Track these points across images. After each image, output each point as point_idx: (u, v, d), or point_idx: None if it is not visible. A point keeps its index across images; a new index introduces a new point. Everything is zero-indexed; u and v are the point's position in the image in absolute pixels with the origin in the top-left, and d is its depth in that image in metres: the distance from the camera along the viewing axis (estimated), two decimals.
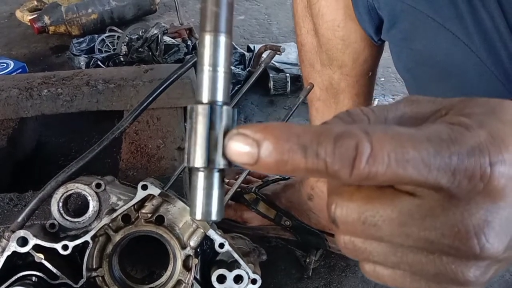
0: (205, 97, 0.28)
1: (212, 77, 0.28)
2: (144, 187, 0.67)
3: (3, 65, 1.50)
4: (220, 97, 0.28)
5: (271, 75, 1.46)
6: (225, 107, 0.28)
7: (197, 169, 0.28)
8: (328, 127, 0.25)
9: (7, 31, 1.90)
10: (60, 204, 0.69)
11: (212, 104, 0.28)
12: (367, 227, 0.26)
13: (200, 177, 0.28)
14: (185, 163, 0.29)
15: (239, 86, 1.40)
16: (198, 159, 0.28)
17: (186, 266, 0.70)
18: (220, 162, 0.28)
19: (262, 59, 1.44)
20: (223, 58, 0.28)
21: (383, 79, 1.57)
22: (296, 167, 0.25)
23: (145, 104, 0.72)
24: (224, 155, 0.28)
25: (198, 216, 0.28)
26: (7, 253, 0.64)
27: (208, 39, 0.28)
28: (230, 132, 0.26)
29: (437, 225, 0.25)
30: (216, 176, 0.28)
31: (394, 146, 0.24)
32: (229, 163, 0.28)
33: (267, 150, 0.24)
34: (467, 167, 0.24)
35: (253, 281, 0.68)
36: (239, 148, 0.25)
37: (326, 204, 0.28)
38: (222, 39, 0.28)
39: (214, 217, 0.28)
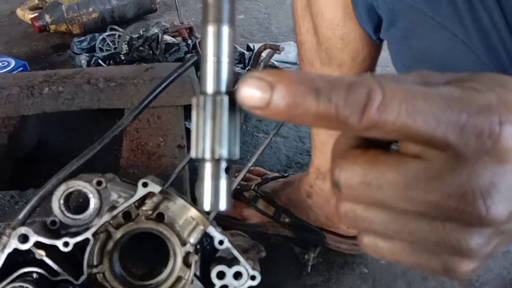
0: (210, 88, 0.28)
1: (217, 67, 0.28)
2: (145, 185, 0.67)
3: (4, 64, 1.51)
4: (223, 87, 0.28)
5: None
6: (229, 97, 0.28)
7: (205, 160, 0.28)
8: (343, 76, 0.25)
9: (8, 29, 1.91)
10: (61, 202, 0.69)
11: (217, 95, 0.28)
12: (371, 190, 0.26)
13: (208, 168, 0.28)
14: (192, 154, 0.28)
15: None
16: (206, 150, 0.28)
17: (186, 263, 0.70)
18: (228, 153, 0.28)
19: (262, 58, 1.45)
20: (226, 48, 0.28)
21: None
22: (307, 111, 0.24)
23: (145, 103, 0.72)
24: (235, 147, 0.28)
25: (207, 207, 0.28)
26: (8, 250, 0.65)
27: (211, 29, 0.28)
28: (243, 75, 0.26)
29: (443, 186, 0.25)
30: (223, 167, 0.28)
31: (405, 97, 0.24)
32: (236, 153, 0.28)
33: (280, 93, 0.24)
34: (476, 124, 0.24)
35: (252, 278, 0.69)
36: (251, 91, 0.24)
37: (330, 169, 0.28)
38: (225, 29, 0.28)
39: (222, 207, 0.28)
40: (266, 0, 2.12)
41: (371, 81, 0.24)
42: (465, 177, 0.25)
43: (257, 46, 1.54)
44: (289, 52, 1.53)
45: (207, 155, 0.28)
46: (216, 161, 0.28)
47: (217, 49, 0.28)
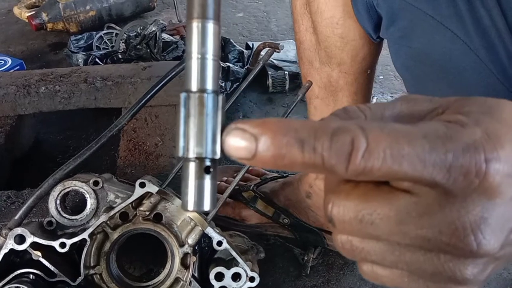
0: (194, 85, 0.28)
1: (201, 65, 0.28)
2: (142, 185, 0.67)
3: (1, 62, 1.50)
4: (209, 85, 0.28)
5: (269, 72, 1.46)
6: (214, 95, 0.28)
7: (188, 159, 0.28)
8: (326, 122, 0.25)
9: (5, 27, 1.89)
10: (58, 202, 0.68)
11: (201, 93, 0.28)
12: (364, 225, 0.26)
13: (192, 167, 0.28)
14: (176, 153, 0.28)
15: (237, 83, 1.40)
16: (190, 149, 0.27)
17: (184, 264, 0.70)
18: (211, 152, 0.27)
19: (261, 56, 1.44)
20: (211, 45, 0.28)
21: (381, 77, 1.57)
22: (293, 162, 0.25)
23: (143, 102, 0.71)
24: (214, 144, 0.27)
25: (190, 207, 0.28)
26: (4, 250, 0.64)
27: (195, 26, 0.28)
28: (228, 127, 0.26)
29: (434, 222, 0.25)
30: (207, 166, 0.28)
31: (389, 142, 0.24)
32: (221, 152, 0.27)
33: (265, 145, 0.25)
34: (462, 164, 0.24)
35: (251, 279, 0.68)
36: (237, 143, 0.25)
37: (323, 203, 0.28)
38: (210, 25, 0.28)
39: (206, 207, 0.28)
40: None
41: (353, 127, 0.25)
42: (455, 213, 0.25)
43: (256, 44, 1.54)
44: (288, 50, 1.52)
45: (191, 154, 0.27)
46: (200, 160, 0.28)
47: (201, 47, 0.28)
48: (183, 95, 0.28)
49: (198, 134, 0.27)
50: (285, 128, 0.25)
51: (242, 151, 0.25)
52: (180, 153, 0.28)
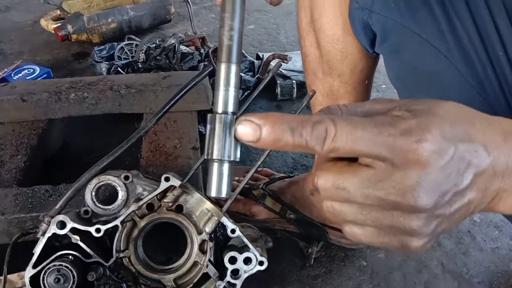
0: (219, 108, 0.40)
1: (225, 94, 0.40)
2: (167, 179, 0.76)
3: (30, 71, 1.60)
4: (230, 108, 0.40)
5: (278, 81, 1.52)
6: (233, 116, 0.39)
7: (213, 160, 0.39)
8: (309, 116, 0.35)
9: (31, 38, 2.00)
10: (93, 193, 0.78)
11: (224, 114, 0.39)
12: (340, 191, 0.36)
13: (215, 166, 0.40)
14: (205, 156, 0.40)
15: (248, 92, 1.47)
16: (214, 153, 0.39)
17: (202, 250, 0.77)
18: (230, 156, 0.39)
19: (271, 67, 1.53)
20: (233, 81, 0.40)
21: (384, 86, 1.65)
22: (287, 143, 0.35)
23: (167, 107, 0.81)
24: (233, 149, 0.39)
25: (213, 193, 0.40)
26: (48, 234, 0.73)
27: (223, 67, 0.40)
28: (239, 118, 0.36)
29: (385, 185, 0.35)
30: (226, 166, 0.40)
31: (350, 129, 0.34)
32: (237, 156, 0.39)
33: (266, 131, 0.35)
34: (400, 144, 0.34)
35: (261, 263, 0.76)
36: (246, 130, 0.35)
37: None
38: (233, 67, 0.40)
39: (224, 194, 0.40)
40: (274, 11, 2.18)
41: (328, 119, 0.35)
42: (398, 179, 0.35)
43: (266, 55, 1.60)
44: (296, 61, 1.57)
45: (214, 157, 0.39)
46: (220, 161, 0.39)
47: (226, 81, 0.40)
48: (211, 115, 0.40)
49: (219, 143, 0.39)
50: (281, 120, 0.35)
51: (250, 136, 0.35)
52: (207, 156, 0.40)
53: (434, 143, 0.34)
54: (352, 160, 0.37)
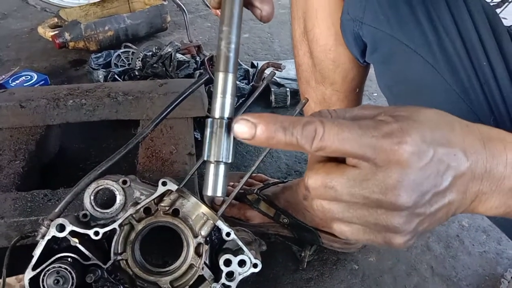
0: (217, 113, 0.43)
1: (222, 101, 0.43)
2: (164, 183, 0.77)
3: (28, 77, 1.62)
4: (226, 114, 0.43)
5: (272, 89, 1.54)
6: (229, 121, 0.42)
7: (210, 162, 0.42)
8: (300, 118, 0.38)
9: (29, 45, 2.01)
10: (92, 197, 0.79)
11: (220, 119, 0.42)
12: (328, 190, 0.39)
13: (211, 167, 0.43)
14: (202, 157, 0.43)
15: (243, 99, 1.49)
16: (210, 155, 0.42)
17: (198, 252, 0.79)
18: (225, 157, 0.42)
19: (265, 75, 1.56)
20: (230, 89, 0.43)
21: (375, 94, 1.68)
22: (279, 141, 0.37)
23: (164, 114, 0.83)
24: (229, 152, 0.42)
25: (209, 192, 0.43)
26: (47, 237, 0.75)
27: (220, 76, 0.43)
28: (236, 117, 0.39)
29: (369, 184, 0.38)
30: (221, 167, 0.43)
31: (337, 130, 0.37)
32: (232, 159, 0.42)
33: (261, 130, 0.37)
34: (382, 145, 0.37)
35: (255, 265, 0.77)
36: (242, 128, 0.38)
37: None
38: (230, 76, 0.43)
39: (219, 193, 0.43)
40: None
41: (317, 121, 0.37)
42: (381, 178, 0.37)
43: (260, 63, 1.63)
44: (290, 69, 1.60)
45: (211, 159, 0.42)
46: (217, 163, 0.42)
47: (223, 89, 0.43)
48: (209, 120, 0.43)
49: (217, 146, 0.42)
50: (275, 119, 0.37)
51: (246, 134, 0.38)
52: (205, 157, 0.43)
53: (413, 145, 0.37)
54: (340, 161, 0.40)
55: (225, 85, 0.43)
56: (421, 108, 0.40)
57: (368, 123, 0.38)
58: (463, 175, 0.40)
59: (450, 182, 0.39)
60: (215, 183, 0.42)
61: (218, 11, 0.51)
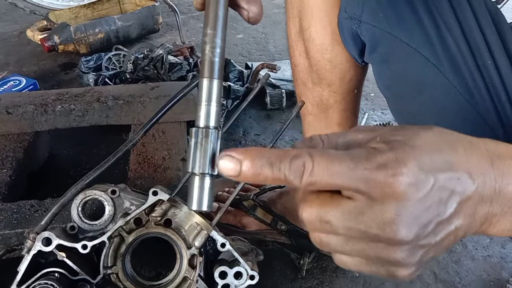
0: (201, 123, 0.40)
1: (207, 109, 0.40)
2: (155, 193, 0.75)
3: (16, 82, 1.58)
4: (212, 123, 0.40)
5: (268, 91, 1.52)
6: (214, 130, 0.40)
7: (194, 174, 0.39)
8: (287, 151, 0.35)
9: (18, 49, 1.98)
10: (79, 209, 0.76)
11: (206, 128, 0.40)
12: (324, 224, 0.36)
13: (196, 179, 0.39)
14: (187, 169, 0.40)
15: (237, 101, 1.47)
16: (195, 167, 0.39)
17: (192, 264, 0.76)
18: (210, 169, 0.39)
19: (260, 76, 1.53)
20: (215, 96, 0.40)
21: (373, 94, 1.65)
22: (266, 177, 0.35)
23: (155, 119, 0.80)
24: (213, 165, 0.39)
25: (194, 206, 0.40)
26: (33, 252, 0.72)
27: (205, 82, 0.40)
28: (220, 154, 0.36)
29: (365, 219, 0.35)
30: (207, 179, 0.40)
31: (327, 163, 0.34)
32: (217, 170, 0.38)
33: (246, 166, 0.35)
34: (376, 178, 0.34)
35: (251, 277, 0.75)
36: (227, 165, 0.35)
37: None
38: (215, 83, 0.40)
39: (204, 208, 0.40)
40: (263, 20, 2.15)
41: (305, 155, 0.35)
42: (377, 212, 0.35)
43: (255, 64, 1.61)
44: (285, 70, 1.58)
45: (196, 170, 0.39)
46: (202, 175, 0.39)
47: (208, 97, 0.40)
48: (194, 129, 0.40)
49: (202, 157, 0.39)
50: (260, 155, 0.35)
51: (231, 171, 0.35)
52: (189, 169, 0.39)
53: (410, 176, 0.34)
54: (335, 191, 0.37)
55: (210, 92, 0.40)
56: (419, 130, 0.37)
57: (360, 154, 0.35)
58: (470, 199, 0.36)
59: (455, 208, 0.36)
60: (200, 196, 0.40)
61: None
